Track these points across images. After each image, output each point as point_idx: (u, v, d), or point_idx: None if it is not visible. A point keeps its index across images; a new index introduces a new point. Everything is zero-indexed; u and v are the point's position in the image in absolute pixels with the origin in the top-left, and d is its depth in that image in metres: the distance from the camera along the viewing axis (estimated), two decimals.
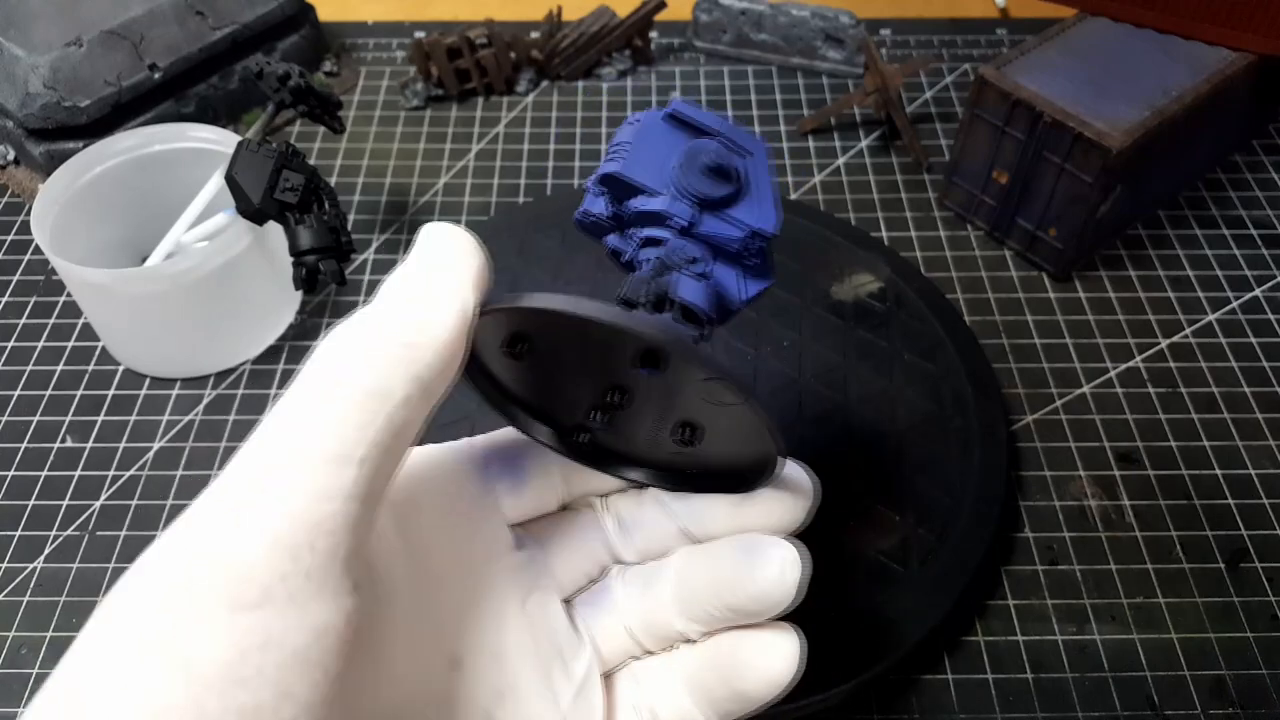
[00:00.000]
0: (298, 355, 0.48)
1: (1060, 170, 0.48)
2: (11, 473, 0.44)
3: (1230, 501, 0.43)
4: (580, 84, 0.64)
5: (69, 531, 0.42)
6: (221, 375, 0.48)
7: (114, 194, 0.47)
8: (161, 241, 0.46)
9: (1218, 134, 0.55)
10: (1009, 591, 0.40)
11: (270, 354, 0.48)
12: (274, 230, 0.46)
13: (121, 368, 0.48)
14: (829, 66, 0.64)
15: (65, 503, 0.43)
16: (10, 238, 0.55)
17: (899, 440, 0.43)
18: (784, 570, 0.22)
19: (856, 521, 0.40)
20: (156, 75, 0.55)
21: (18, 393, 0.47)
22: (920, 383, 0.44)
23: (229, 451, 0.45)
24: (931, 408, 0.44)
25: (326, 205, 0.44)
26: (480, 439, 0.26)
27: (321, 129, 0.60)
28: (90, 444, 0.45)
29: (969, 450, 0.42)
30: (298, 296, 0.50)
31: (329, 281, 0.44)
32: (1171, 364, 0.48)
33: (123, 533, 0.42)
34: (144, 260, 0.47)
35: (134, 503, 0.43)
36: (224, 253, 0.43)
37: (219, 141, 0.47)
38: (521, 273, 0.49)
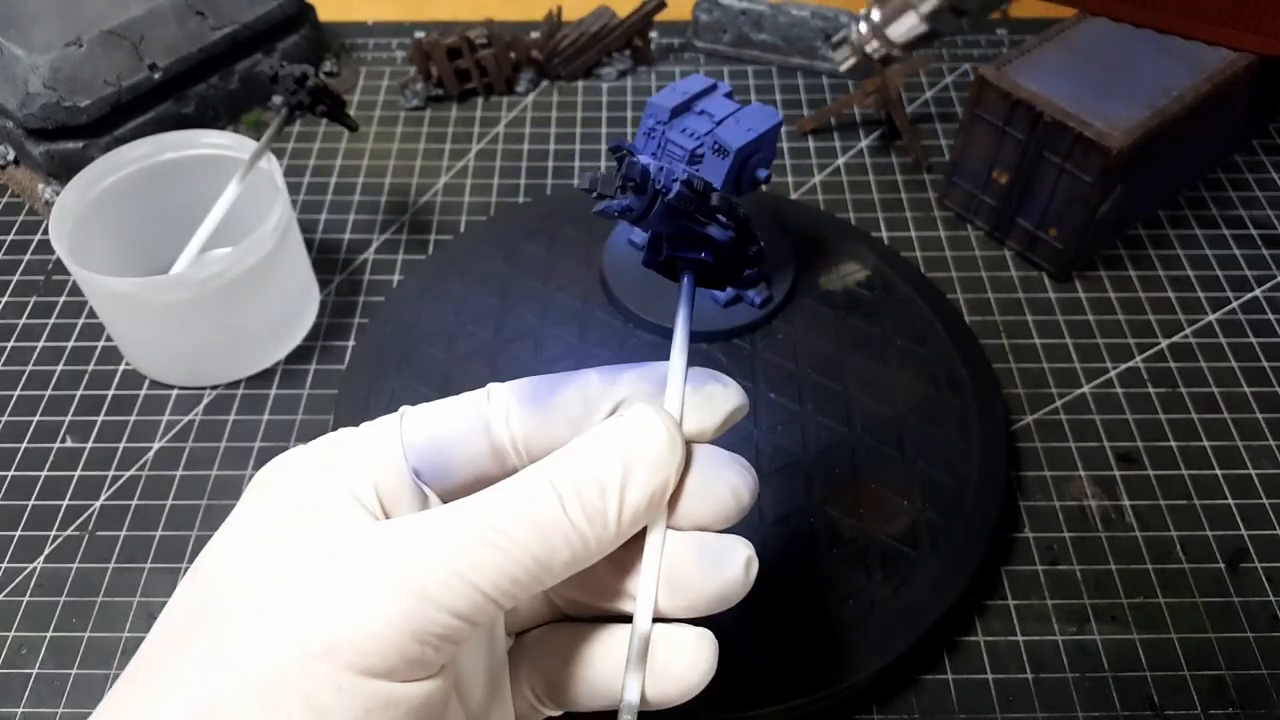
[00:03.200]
0: (326, 356, 0.48)
1: (1060, 170, 0.48)
2: (11, 473, 0.44)
3: (1230, 501, 0.43)
4: (580, 84, 0.64)
5: (69, 531, 0.42)
6: None
7: (127, 203, 0.47)
8: (185, 249, 0.45)
9: (1218, 134, 0.55)
10: (1009, 591, 0.40)
11: (299, 354, 0.48)
12: (296, 235, 0.47)
13: (121, 368, 0.48)
14: (829, 66, 0.64)
15: (65, 503, 0.43)
16: (10, 238, 0.55)
17: (900, 424, 0.43)
18: (749, 571, 0.23)
19: (864, 508, 0.40)
20: (156, 75, 0.55)
21: (17, 393, 0.47)
22: (915, 366, 0.45)
23: (229, 452, 0.45)
24: (928, 389, 0.44)
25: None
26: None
27: (320, 129, 0.60)
28: (90, 444, 0.45)
29: (968, 431, 0.43)
30: (316, 300, 0.50)
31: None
32: (1171, 364, 0.48)
33: (122, 533, 0.42)
34: (160, 270, 0.47)
35: (134, 503, 0.43)
36: (248, 258, 0.43)
37: (230, 147, 0.47)
38: (509, 278, 0.49)
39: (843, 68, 0.24)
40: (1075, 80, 0.48)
